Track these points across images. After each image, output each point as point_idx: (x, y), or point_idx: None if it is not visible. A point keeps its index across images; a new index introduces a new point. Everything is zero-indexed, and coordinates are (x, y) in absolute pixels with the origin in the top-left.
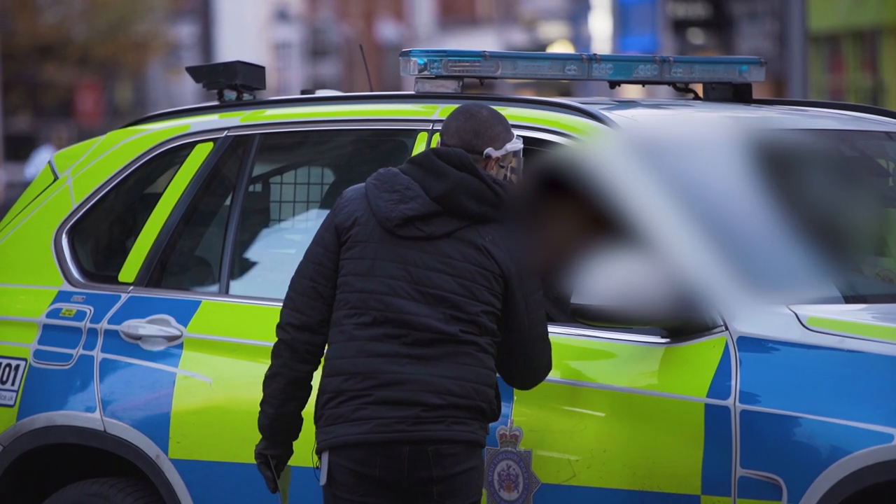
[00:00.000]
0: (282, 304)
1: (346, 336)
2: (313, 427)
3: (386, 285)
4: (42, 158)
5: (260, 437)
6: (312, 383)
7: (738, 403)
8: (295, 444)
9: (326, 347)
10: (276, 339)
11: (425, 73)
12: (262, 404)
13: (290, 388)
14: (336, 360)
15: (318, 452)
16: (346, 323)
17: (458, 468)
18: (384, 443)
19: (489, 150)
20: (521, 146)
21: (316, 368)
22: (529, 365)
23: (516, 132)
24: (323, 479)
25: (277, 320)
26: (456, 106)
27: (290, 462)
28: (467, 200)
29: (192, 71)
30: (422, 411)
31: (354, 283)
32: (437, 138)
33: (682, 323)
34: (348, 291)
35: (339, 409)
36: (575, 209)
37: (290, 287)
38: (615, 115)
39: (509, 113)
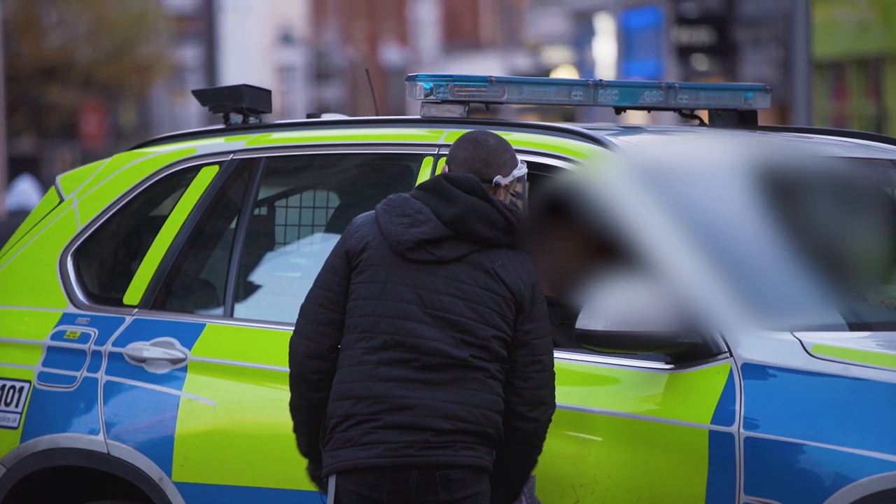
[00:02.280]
0: (292, 329)
1: (355, 360)
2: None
3: (397, 308)
4: (22, 188)
5: (269, 459)
6: None
7: (742, 430)
8: (294, 469)
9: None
10: (290, 369)
11: (431, 97)
12: (294, 431)
13: (315, 416)
14: (345, 384)
15: (325, 476)
16: (356, 347)
17: (464, 493)
18: (393, 467)
19: (498, 178)
20: (526, 171)
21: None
22: (535, 396)
23: (522, 157)
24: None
25: (282, 344)
26: (462, 131)
27: (296, 486)
28: (478, 225)
29: (198, 94)
30: (431, 436)
31: (365, 306)
32: (441, 166)
33: (686, 349)
34: (358, 315)
35: (348, 433)
36: (579, 234)
37: (301, 314)
38: (620, 140)
39: (514, 138)
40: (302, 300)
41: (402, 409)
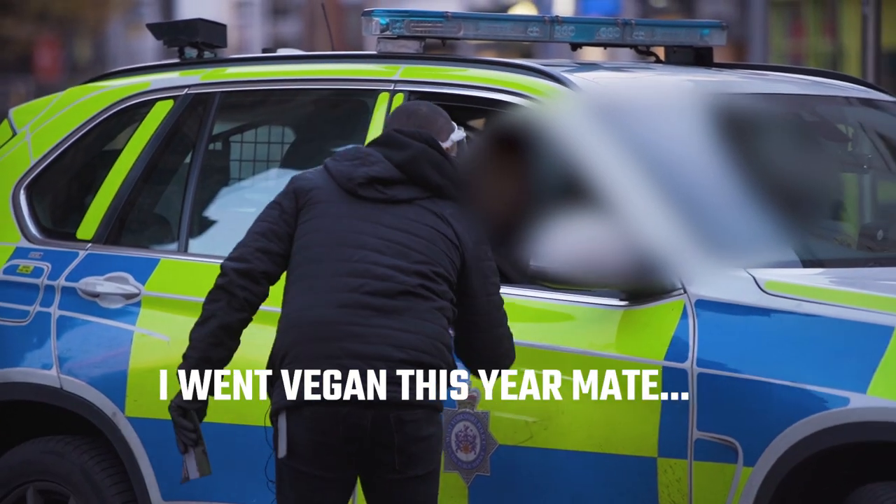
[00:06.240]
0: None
1: (304, 289)
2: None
3: (348, 239)
4: None
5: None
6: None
7: (695, 366)
8: (248, 406)
9: (282, 304)
10: (214, 284)
11: (387, 33)
12: (185, 352)
13: (221, 333)
14: (294, 313)
15: (274, 414)
16: (306, 279)
17: (421, 433)
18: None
19: None
20: (464, 135)
21: (250, 320)
22: (491, 346)
23: (477, 93)
24: (282, 451)
25: None
26: (418, 67)
27: (251, 422)
28: (429, 170)
29: (153, 28)
30: (386, 365)
31: (314, 238)
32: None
33: (640, 286)
34: (307, 247)
35: (296, 363)
36: (534, 171)
37: (239, 242)
38: (576, 77)
39: (470, 74)
40: None
41: (355, 337)
